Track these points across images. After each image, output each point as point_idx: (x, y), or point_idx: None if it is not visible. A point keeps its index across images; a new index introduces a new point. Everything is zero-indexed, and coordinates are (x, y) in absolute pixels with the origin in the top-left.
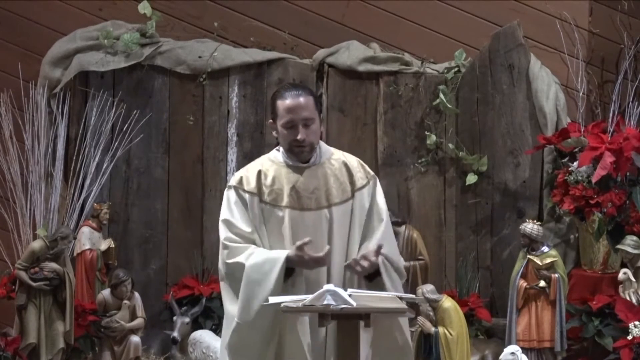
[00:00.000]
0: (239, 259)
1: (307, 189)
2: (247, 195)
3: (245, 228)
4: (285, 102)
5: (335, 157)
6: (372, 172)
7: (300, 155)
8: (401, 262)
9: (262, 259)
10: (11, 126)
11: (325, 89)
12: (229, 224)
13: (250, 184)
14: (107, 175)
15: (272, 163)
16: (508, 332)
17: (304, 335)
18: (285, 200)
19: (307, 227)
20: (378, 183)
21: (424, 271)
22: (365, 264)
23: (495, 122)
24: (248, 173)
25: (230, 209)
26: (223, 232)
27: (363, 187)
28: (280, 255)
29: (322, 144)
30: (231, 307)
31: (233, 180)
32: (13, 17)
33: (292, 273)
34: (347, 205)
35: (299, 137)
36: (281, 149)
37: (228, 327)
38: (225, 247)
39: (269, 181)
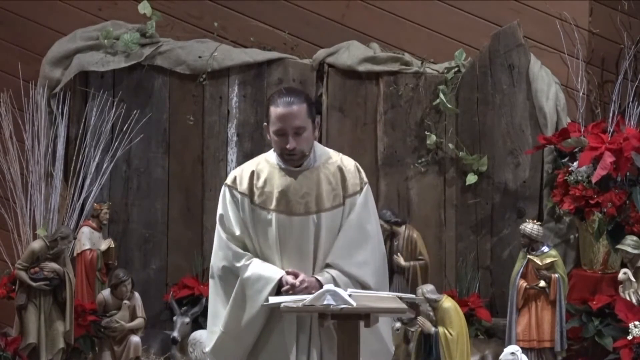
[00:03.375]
0: (235, 266)
1: (297, 193)
2: (239, 196)
3: (235, 230)
4: (277, 109)
5: (332, 161)
6: (365, 179)
7: (291, 162)
8: (366, 272)
9: (256, 275)
10: (11, 126)
11: (325, 89)
12: (222, 222)
13: (243, 185)
14: (107, 175)
15: (266, 164)
16: (508, 332)
17: (290, 335)
18: (273, 204)
19: (293, 231)
20: (367, 191)
21: (424, 271)
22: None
23: (495, 122)
24: (242, 173)
25: (225, 207)
26: (221, 230)
27: (355, 194)
28: (273, 276)
29: (319, 146)
30: (220, 309)
31: (229, 178)
32: (13, 17)
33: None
34: (338, 212)
35: (288, 146)
36: None
37: (213, 330)
38: (222, 247)
39: (260, 183)
